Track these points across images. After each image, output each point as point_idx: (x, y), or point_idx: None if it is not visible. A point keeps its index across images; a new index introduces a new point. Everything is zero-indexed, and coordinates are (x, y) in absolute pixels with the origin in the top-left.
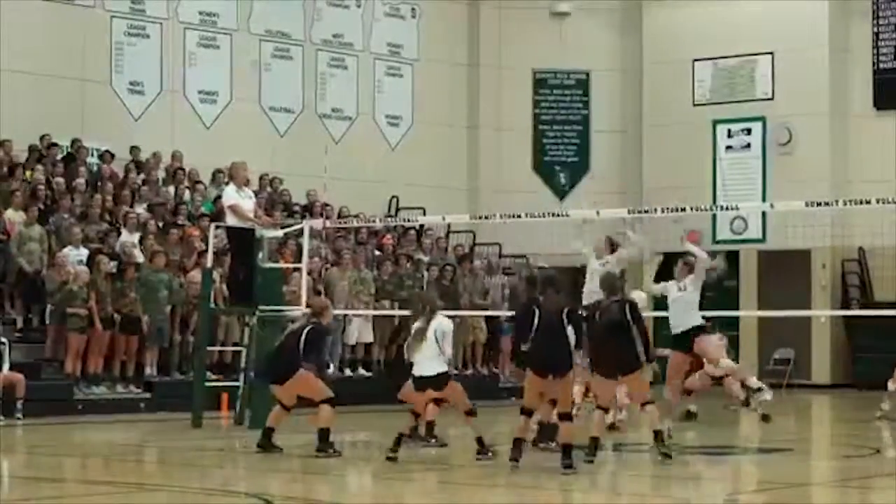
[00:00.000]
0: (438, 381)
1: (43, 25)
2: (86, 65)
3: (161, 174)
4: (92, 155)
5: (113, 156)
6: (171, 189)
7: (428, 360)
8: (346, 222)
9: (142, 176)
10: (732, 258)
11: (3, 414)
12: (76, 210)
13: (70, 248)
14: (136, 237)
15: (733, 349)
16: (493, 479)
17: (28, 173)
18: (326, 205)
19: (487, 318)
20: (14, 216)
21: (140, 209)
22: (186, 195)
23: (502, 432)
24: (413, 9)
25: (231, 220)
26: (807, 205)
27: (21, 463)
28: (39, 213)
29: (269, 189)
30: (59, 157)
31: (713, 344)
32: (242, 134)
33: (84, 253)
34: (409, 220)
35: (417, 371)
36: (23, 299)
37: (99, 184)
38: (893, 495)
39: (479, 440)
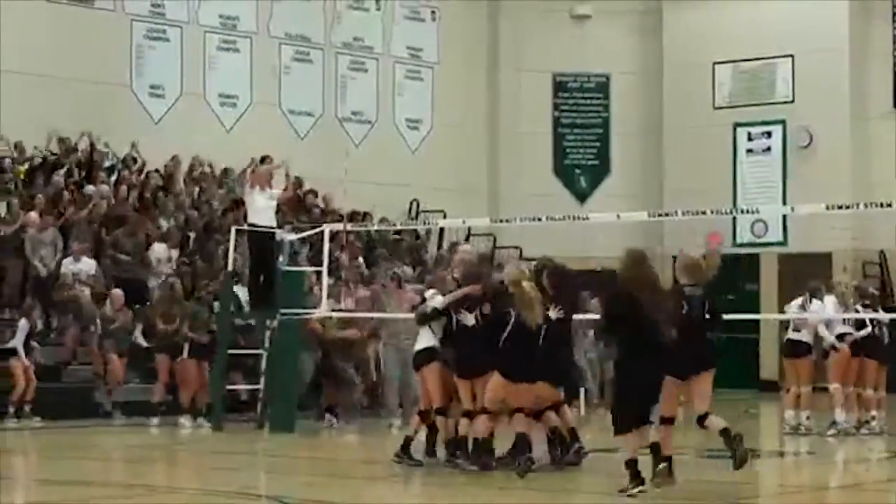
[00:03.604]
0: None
1: (63, 29)
2: (106, 68)
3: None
4: (111, 158)
5: (135, 160)
6: (195, 191)
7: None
8: (365, 226)
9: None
10: (753, 261)
11: (17, 416)
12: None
13: (70, 260)
14: (173, 254)
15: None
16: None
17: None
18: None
19: None
20: (36, 219)
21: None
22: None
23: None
24: (433, 12)
25: (252, 218)
26: (827, 208)
27: (42, 466)
28: (59, 216)
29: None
30: (79, 160)
31: None
32: (262, 137)
33: (91, 264)
34: (429, 224)
35: None
36: (40, 302)
37: (122, 187)
38: None
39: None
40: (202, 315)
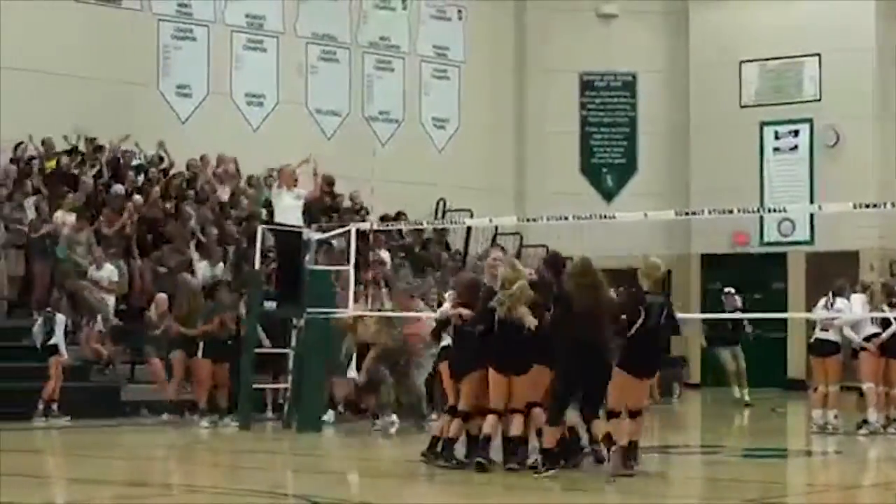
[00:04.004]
0: None
1: (90, 28)
2: (133, 68)
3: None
4: (139, 158)
5: (162, 159)
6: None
7: None
8: (392, 225)
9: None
10: (780, 260)
11: (45, 415)
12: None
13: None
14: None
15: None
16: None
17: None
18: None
19: None
20: (65, 217)
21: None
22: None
23: None
24: (459, 11)
25: (279, 217)
26: (855, 206)
27: (70, 465)
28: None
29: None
30: (107, 159)
31: None
32: (289, 137)
33: (113, 270)
34: (456, 223)
35: None
36: (69, 302)
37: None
38: None
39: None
40: (219, 311)
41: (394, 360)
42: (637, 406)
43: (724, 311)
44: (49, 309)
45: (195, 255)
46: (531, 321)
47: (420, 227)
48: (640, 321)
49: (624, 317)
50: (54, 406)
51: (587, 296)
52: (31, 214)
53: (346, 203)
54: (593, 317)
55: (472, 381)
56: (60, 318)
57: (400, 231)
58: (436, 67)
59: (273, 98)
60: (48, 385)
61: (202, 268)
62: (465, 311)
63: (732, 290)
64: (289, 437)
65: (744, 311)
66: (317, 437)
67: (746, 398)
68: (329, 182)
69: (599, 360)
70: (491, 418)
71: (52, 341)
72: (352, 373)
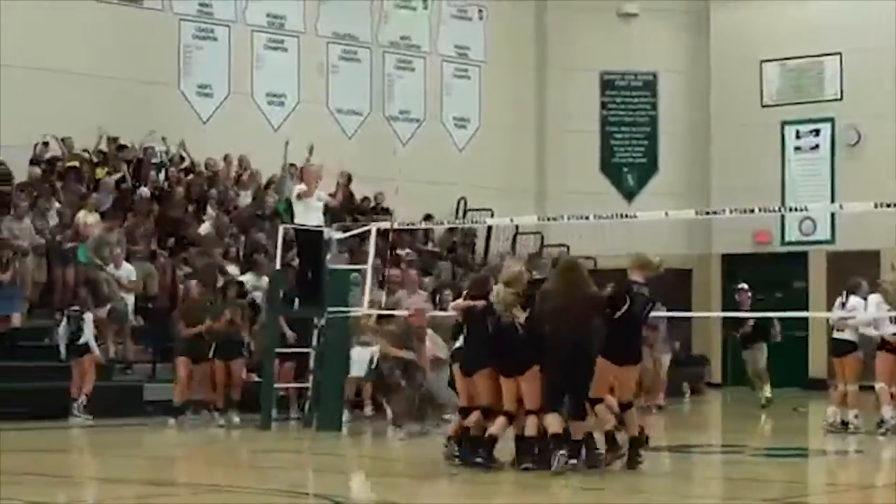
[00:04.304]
0: None
1: (111, 28)
2: (154, 67)
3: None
4: (160, 157)
5: (183, 158)
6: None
7: None
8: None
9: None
10: (801, 259)
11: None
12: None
13: (111, 267)
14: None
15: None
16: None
17: (100, 171)
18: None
19: None
20: (87, 218)
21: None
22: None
23: None
24: (480, 10)
25: (300, 217)
26: (876, 206)
27: (91, 464)
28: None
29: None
30: (129, 158)
31: None
32: (310, 136)
33: (130, 269)
34: (477, 222)
35: None
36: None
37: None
38: None
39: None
40: (229, 307)
41: (404, 355)
42: (625, 398)
43: (738, 309)
44: (77, 308)
45: (233, 268)
46: (520, 315)
47: (440, 226)
48: (625, 307)
49: (608, 310)
50: (82, 405)
51: (568, 293)
52: (53, 220)
53: (371, 204)
54: (574, 314)
55: (483, 377)
56: (88, 317)
57: (427, 234)
58: (456, 67)
59: (294, 98)
60: (83, 384)
61: (249, 279)
62: (479, 303)
63: (745, 286)
64: (309, 437)
65: (751, 309)
66: (337, 437)
67: (767, 395)
68: (347, 178)
69: (582, 357)
70: (500, 420)
71: (81, 340)
72: (355, 371)
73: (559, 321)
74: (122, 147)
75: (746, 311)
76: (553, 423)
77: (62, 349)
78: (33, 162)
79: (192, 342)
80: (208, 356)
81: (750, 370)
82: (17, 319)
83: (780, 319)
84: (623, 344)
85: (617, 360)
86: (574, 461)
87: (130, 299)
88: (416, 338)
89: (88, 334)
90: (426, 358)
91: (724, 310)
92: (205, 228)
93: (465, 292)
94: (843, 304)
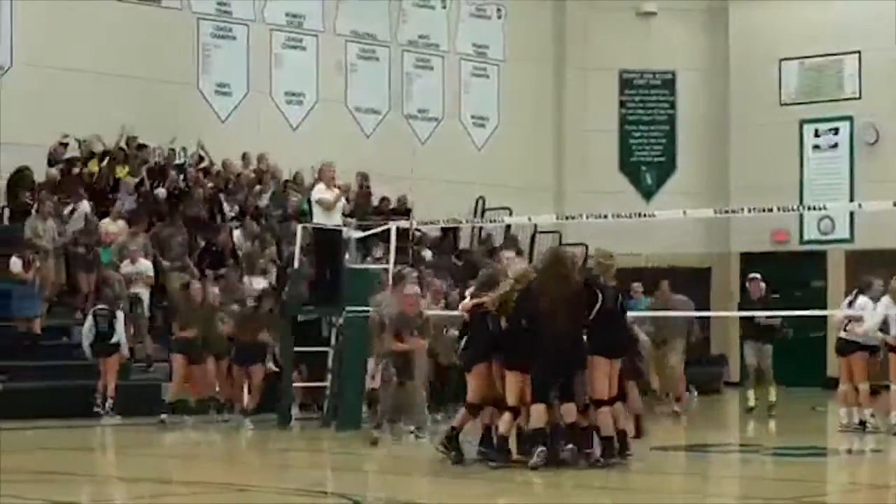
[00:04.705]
0: None
1: (130, 27)
2: (173, 66)
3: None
4: (180, 157)
5: (202, 158)
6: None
7: None
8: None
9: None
10: (820, 258)
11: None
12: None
13: (127, 262)
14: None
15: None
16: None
17: (120, 169)
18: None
19: None
20: (109, 226)
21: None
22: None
23: None
24: (499, 9)
25: (319, 218)
26: (894, 204)
27: (111, 463)
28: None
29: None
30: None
31: None
32: (329, 135)
33: (148, 265)
34: (495, 221)
35: None
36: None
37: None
38: None
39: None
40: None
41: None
42: (608, 393)
43: (752, 301)
44: (105, 307)
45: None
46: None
47: (458, 224)
48: (598, 304)
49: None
50: (108, 404)
51: (557, 286)
52: (76, 225)
53: (393, 205)
54: (564, 307)
55: (480, 372)
56: (120, 316)
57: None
58: (475, 65)
59: (312, 96)
60: (108, 383)
61: (259, 283)
62: (486, 299)
63: (758, 276)
64: (329, 436)
65: (768, 299)
66: (356, 436)
67: (752, 403)
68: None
69: (572, 349)
70: (507, 416)
71: (113, 340)
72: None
73: (551, 314)
74: (141, 146)
75: (758, 299)
76: (537, 415)
77: (86, 348)
78: (52, 162)
79: (187, 342)
80: (203, 357)
81: (749, 367)
82: (36, 325)
83: (789, 318)
84: (605, 337)
85: (604, 353)
86: (570, 449)
87: (146, 294)
88: (413, 326)
89: (121, 333)
90: (424, 347)
91: (740, 309)
92: (238, 238)
93: (470, 291)
94: (851, 304)
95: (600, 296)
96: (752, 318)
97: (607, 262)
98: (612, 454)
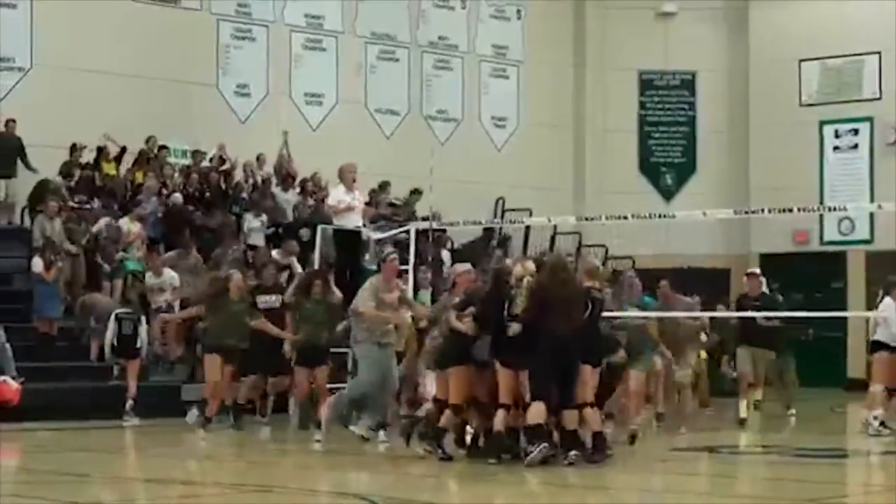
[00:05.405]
0: None
1: (149, 28)
2: (192, 68)
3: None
4: (205, 159)
5: (223, 160)
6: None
7: None
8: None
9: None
10: (840, 259)
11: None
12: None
13: (150, 275)
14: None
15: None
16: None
17: (139, 173)
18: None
19: None
20: (130, 226)
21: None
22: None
23: None
24: (518, 10)
25: (339, 221)
26: None
27: (130, 464)
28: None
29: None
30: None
31: None
32: (348, 136)
33: (173, 276)
34: (515, 222)
35: None
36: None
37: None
38: None
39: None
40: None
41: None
42: (588, 396)
43: (750, 300)
44: (129, 311)
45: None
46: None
47: (478, 225)
48: (588, 311)
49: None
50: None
51: (563, 289)
52: (97, 227)
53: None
54: (569, 308)
55: (459, 374)
56: (143, 320)
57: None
58: (494, 66)
59: (332, 97)
60: (131, 385)
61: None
62: (466, 327)
63: (757, 271)
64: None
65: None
66: (374, 437)
67: (744, 414)
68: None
69: (573, 350)
70: (500, 413)
71: (137, 344)
72: None
73: (556, 315)
74: (162, 147)
75: (756, 296)
76: (537, 412)
77: (107, 350)
78: (71, 164)
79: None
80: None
81: (742, 374)
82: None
83: (800, 319)
84: (589, 344)
85: (591, 362)
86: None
87: (176, 305)
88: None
89: (144, 338)
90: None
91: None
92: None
93: (454, 303)
94: (876, 306)
95: (590, 304)
96: (752, 319)
97: (595, 271)
98: (604, 448)
